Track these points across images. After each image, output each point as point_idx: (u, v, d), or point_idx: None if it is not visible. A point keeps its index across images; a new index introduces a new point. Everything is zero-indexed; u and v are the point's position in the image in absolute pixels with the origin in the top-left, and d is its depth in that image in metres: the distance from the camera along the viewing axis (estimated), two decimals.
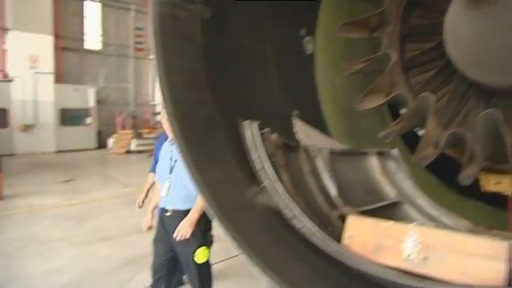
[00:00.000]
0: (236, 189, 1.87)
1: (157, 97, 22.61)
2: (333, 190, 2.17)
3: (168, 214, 2.88)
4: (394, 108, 3.20)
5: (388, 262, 1.58)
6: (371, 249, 1.64)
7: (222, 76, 2.08)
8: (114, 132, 18.00)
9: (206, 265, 3.01)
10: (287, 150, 2.14)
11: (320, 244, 1.68)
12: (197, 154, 1.71)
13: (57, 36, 17.61)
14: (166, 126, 2.66)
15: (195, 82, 1.92)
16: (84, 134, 18.12)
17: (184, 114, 1.77)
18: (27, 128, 16.38)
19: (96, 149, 17.96)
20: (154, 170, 3.54)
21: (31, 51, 16.33)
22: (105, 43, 20.62)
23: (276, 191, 1.82)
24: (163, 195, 2.89)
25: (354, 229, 1.73)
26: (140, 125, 20.48)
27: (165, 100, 1.70)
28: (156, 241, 3.06)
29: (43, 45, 16.73)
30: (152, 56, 1.75)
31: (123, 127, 18.78)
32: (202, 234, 2.88)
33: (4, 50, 16.61)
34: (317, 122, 2.77)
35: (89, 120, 18.33)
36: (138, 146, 16.97)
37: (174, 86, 1.76)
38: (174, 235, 2.79)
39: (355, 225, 1.75)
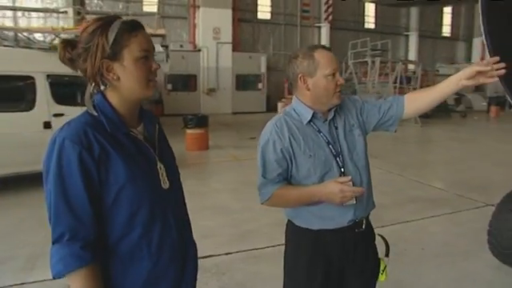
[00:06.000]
0: None
1: None
2: None
3: (357, 230, 1.64)
4: None
5: None
6: None
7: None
8: (282, 97, 19.07)
9: None
10: None
11: None
12: None
13: (234, 9, 19.43)
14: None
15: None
16: (255, 98, 19.62)
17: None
18: (210, 91, 18.81)
19: (265, 112, 19.09)
20: None
21: (215, 24, 18.48)
22: (274, 13, 21.80)
23: None
24: (349, 203, 1.53)
25: None
26: None
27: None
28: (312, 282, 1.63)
29: (224, 18, 18.60)
30: None
31: (290, 92, 19.87)
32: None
33: (195, 25, 19.41)
34: None
35: (260, 85, 19.75)
36: None
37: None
38: None
39: None
